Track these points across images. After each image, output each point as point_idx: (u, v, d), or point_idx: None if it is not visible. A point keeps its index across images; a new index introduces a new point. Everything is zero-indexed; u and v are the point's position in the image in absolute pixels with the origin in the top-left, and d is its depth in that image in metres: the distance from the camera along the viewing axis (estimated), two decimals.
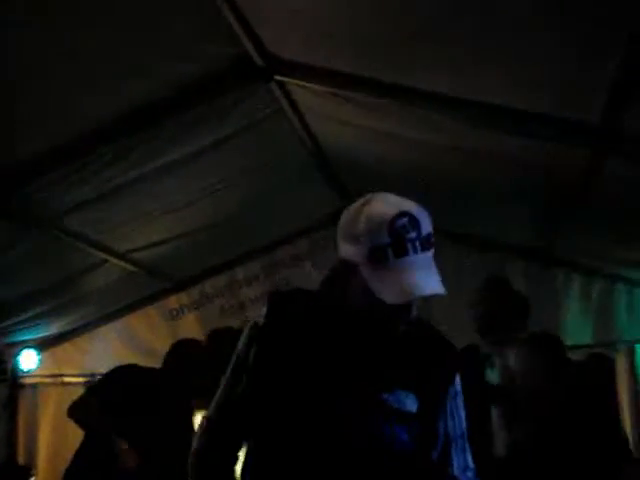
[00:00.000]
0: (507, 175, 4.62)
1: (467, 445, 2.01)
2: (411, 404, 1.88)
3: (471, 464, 2.02)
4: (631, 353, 6.11)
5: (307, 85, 4.04)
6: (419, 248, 1.73)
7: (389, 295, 1.75)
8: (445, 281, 5.66)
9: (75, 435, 5.05)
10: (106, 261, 5.70)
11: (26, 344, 6.68)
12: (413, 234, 1.73)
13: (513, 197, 4.98)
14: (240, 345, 2.05)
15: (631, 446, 4.83)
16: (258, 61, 3.86)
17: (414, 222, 1.74)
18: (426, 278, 1.75)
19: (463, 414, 2.01)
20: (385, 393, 1.86)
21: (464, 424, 2.01)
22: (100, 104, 3.84)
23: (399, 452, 1.89)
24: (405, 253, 1.72)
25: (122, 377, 4.89)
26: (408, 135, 4.44)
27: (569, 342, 6.11)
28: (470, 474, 2.00)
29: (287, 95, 4.34)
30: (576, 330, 6.28)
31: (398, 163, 4.97)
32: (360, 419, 1.87)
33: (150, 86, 3.84)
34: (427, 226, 1.77)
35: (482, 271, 6.57)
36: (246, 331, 2.06)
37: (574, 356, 5.54)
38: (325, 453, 1.87)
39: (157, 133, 4.18)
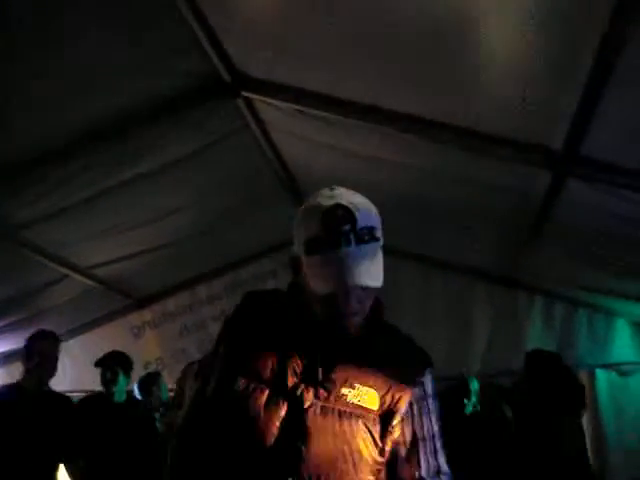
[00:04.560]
0: (472, 197, 4.65)
1: (440, 448, 1.98)
2: (372, 402, 1.86)
3: (445, 468, 1.98)
4: (591, 377, 6.16)
5: (274, 102, 4.05)
6: (353, 240, 1.72)
7: (316, 286, 1.76)
8: (410, 303, 5.63)
9: None
10: (67, 276, 5.62)
11: None
12: (347, 227, 1.72)
13: (477, 219, 5.01)
14: (210, 348, 2.03)
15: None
16: (225, 77, 3.86)
17: (348, 215, 1.74)
18: (356, 269, 1.71)
19: (435, 417, 1.98)
20: (346, 388, 1.85)
21: (436, 427, 1.97)
22: (66, 118, 3.81)
23: (361, 450, 1.86)
24: (337, 245, 1.72)
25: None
26: (375, 155, 4.45)
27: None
28: (445, 478, 1.96)
29: (253, 112, 4.34)
30: None
31: (364, 183, 4.95)
32: (321, 414, 1.84)
33: (117, 101, 3.82)
34: (366, 219, 1.76)
35: (447, 294, 6.64)
36: (218, 331, 2.04)
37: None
38: (287, 448, 1.82)
39: (122, 148, 4.15)
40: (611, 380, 6.12)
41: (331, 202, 1.78)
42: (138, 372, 6.03)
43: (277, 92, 3.94)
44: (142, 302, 7.02)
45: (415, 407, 1.93)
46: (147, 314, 7.06)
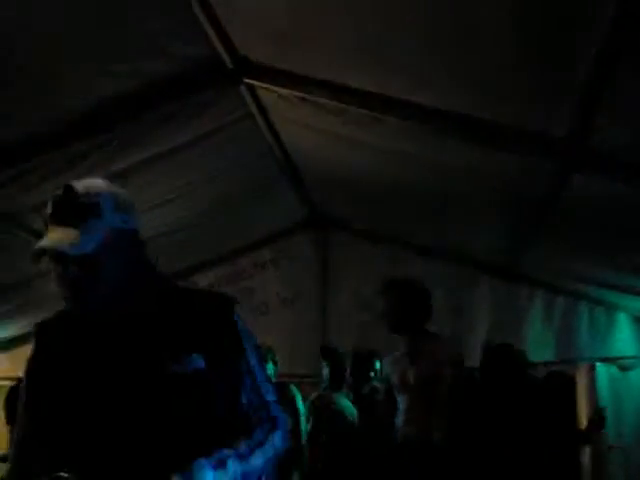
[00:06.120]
0: (475, 189, 4.63)
1: (262, 382, 2.05)
2: (199, 363, 1.92)
3: (270, 397, 2.04)
4: (591, 371, 6.14)
5: (276, 89, 4.02)
6: (69, 215, 1.88)
7: None
8: None
9: None
10: None
11: None
12: (65, 204, 1.90)
13: (480, 211, 4.99)
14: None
15: None
16: (228, 63, 3.83)
17: (69, 194, 1.90)
18: (58, 238, 1.86)
19: (250, 352, 2.05)
20: (172, 364, 1.92)
21: (252, 361, 2.04)
22: (68, 102, 3.78)
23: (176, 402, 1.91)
24: (53, 218, 1.91)
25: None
26: (377, 144, 4.43)
27: (531, 358, 6.16)
28: (271, 406, 2.03)
29: (256, 99, 4.31)
30: (538, 346, 6.30)
31: (366, 173, 4.96)
32: (149, 395, 1.90)
33: (119, 85, 3.79)
34: (87, 198, 1.90)
35: (448, 285, 6.61)
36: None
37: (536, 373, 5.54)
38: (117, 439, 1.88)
39: (123, 134, 4.12)
40: (611, 374, 6.11)
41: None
42: None
43: (280, 79, 3.91)
44: None
45: (227, 346, 2.00)
46: None
